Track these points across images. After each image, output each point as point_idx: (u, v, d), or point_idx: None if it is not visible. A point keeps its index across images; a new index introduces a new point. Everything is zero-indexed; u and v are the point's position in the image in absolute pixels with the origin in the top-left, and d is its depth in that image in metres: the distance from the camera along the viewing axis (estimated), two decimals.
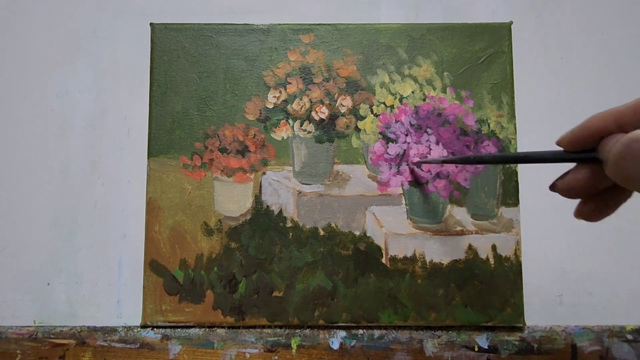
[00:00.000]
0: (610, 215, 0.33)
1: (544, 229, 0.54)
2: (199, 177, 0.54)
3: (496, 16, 0.57)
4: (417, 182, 0.54)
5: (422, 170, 0.54)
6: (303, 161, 0.55)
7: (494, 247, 0.53)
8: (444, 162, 0.48)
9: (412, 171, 0.54)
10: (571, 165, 0.33)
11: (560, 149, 0.33)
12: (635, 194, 0.31)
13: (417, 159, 0.53)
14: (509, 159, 0.45)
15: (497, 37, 0.55)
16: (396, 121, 0.55)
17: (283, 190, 0.54)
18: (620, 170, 0.28)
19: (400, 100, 0.55)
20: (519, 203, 0.54)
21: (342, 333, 0.52)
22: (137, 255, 0.54)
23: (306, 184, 0.54)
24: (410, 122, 0.55)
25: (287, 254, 0.53)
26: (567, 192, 0.33)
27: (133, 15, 0.57)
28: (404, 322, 0.52)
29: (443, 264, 0.53)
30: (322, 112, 0.55)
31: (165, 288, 0.53)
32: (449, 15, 0.57)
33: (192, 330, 0.53)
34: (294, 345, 0.52)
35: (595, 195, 0.33)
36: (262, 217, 0.54)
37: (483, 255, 0.53)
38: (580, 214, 0.34)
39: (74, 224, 0.54)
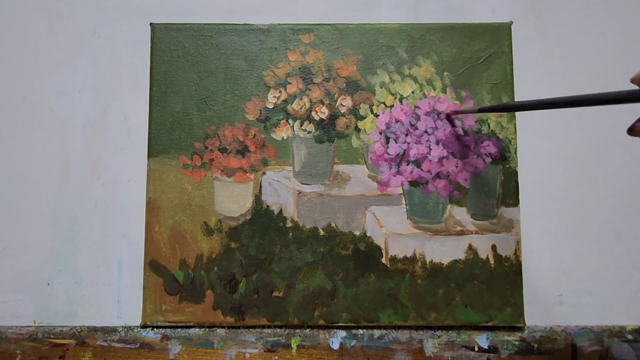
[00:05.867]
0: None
1: (544, 229, 0.54)
2: (199, 177, 0.54)
3: (496, 16, 0.57)
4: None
5: (423, 170, 0.54)
6: (303, 161, 0.55)
7: (494, 247, 0.53)
8: (480, 111, 0.47)
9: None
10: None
11: (636, 87, 0.30)
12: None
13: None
14: (574, 102, 0.36)
15: (497, 37, 0.55)
16: (396, 121, 0.55)
17: (283, 190, 0.54)
18: None
19: (400, 100, 0.55)
20: (519, 203, 0.54)
21: (342, 333, 0.52)
22: (137, 255, 0.54)
23: (306, 184, 0.54)
24: (410, 122, 0.55)
25: (287, 254, 0.53)
26: None
27: (133, 15, 0.57)
28: (404, 322, 0.52)
29: (443, 264, 0.53)
30: (322, 112, 0.55)
31: (165, 288, 0.53)
32: (449, 15, 0.57)
33: (192, 330, 0.53)
34: (294, 345, 0.52)
35: None
36: (262, 217, 0.54)
37: (483, 255, 0.53)
38: None
39: (74, 224, 0.54)
